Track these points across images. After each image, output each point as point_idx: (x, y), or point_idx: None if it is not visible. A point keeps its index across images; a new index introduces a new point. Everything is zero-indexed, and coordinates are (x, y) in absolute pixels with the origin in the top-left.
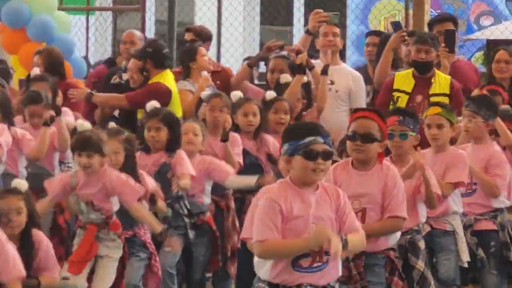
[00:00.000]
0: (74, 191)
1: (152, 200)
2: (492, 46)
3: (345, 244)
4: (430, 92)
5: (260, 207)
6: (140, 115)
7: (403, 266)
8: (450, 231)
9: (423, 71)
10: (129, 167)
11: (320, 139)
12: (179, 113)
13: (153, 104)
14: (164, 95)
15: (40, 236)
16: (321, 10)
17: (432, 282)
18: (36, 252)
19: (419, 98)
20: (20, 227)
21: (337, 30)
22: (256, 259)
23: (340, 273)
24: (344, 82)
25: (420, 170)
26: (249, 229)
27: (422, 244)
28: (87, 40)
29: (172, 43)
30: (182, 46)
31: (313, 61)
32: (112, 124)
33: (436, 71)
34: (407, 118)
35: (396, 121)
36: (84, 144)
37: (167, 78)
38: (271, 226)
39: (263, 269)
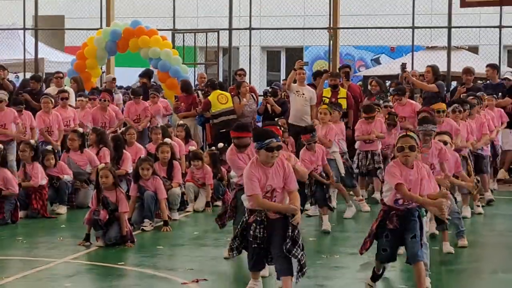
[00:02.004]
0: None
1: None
2: (365, 78)
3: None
4: (338, 97)
5: (245, 175)
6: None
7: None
8: None
9: (334, 88)
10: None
11: (275, 140)
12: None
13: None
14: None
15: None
16: None
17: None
18: None
19: (333, 99)
20: None
21: None
22: None
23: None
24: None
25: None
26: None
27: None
28: None
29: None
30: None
31: None
32: (221, 144)
33: (340, 87)
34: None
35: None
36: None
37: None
38: (254, 185)
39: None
